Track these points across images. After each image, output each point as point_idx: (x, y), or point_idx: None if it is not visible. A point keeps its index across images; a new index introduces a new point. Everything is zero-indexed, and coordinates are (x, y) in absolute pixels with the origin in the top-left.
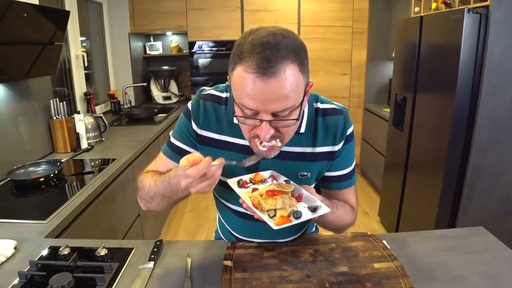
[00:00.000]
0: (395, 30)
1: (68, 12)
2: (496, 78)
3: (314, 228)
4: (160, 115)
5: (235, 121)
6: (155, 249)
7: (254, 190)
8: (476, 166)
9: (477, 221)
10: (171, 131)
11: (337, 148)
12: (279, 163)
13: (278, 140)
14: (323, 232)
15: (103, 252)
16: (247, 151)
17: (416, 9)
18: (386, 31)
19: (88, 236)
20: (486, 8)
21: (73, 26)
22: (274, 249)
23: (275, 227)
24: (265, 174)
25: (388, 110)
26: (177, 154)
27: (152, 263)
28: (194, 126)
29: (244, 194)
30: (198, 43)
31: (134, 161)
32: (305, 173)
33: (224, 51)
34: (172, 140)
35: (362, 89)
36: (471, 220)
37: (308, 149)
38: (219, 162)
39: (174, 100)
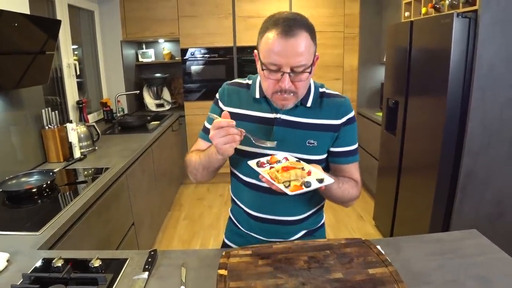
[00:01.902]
0: (386, 34)
1: (59, 21)
2: (486, 82)
3: (320, 227)
4: (153, 122)
5: (257, 95)
6: (150, 259)
7: (271, 168)
8: (469, 170)
9: (471, 223)
10: (205, 121)
11: (339, 122)
12: (290, 131)
13: (293, 95)
14: (318, 240)
15: (97, 263)
16: (264, 121)
17: (406, 14)
18: (377, 36)
19: (82, 247)
20: (474, 13)
21: (64, 35)
22: (268, 257)
23: (290, 193)
24: (279, 156)
25: (380, 114)
26: (208, 135)
27: (146, 273)
28: (220, 104)
29: (263, 171)
30: (190, 50)
31: (127, 170)
32: (312, 141)
33: (217, 58)
34: (206, 124)
35: (355, 94)
36: (465, 222)
37: (314, 121)
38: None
39: (167, 107)
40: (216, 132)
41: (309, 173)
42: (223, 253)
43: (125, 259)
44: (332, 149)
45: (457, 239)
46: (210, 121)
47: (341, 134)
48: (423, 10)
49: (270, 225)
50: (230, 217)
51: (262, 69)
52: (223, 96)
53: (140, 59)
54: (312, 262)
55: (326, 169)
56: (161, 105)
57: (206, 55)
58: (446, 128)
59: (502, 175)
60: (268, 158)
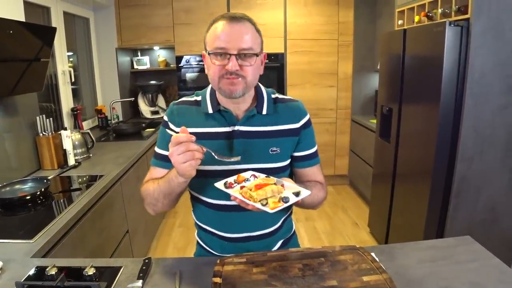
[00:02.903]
0: (380, 42)
1: (54, 29)
2: (478, 89)
3: (292, 234)
4: (148, 130)
5: (210, 110)
6: (144, 267)
7: (241, 188)
8: (462, 176)
9: (465, 230)
10: (155, 146)
11: (298, 125)
12: (251, 142)
13: (240, 79)
14: (311, 246)
15: (91, 271)
16: (223, 136)
17: (400, 22)
18: (371, 43)
19: (76, 255)
20: (466, 21)
21: (60, 42)
22: (263, 264)
23: (271, 211)
24: (246, 174)
25: (374, 121)
26: (163, 161)
27: (140, 281)
28: (172, 126)
29: (234, 192)
30: (185, 57)
31: (122, 177)
32: (275, 148)
33: None
34: (157, 150)
35: (349, 101)
36: (459, 229)
37: (274, 128)
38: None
39: (162, 114)
40: (175, 148)
41: (282, 187)
42: (218, 261)
43: (119, 267)
44: (295, 154)
45: (451, 246)
46: (161, 145)
47: (302, 138)
48: (416, 18)
49: (246, 243)
50: (198, 243)
51: (209, 54)
52: (173, 117)
53: (135, 66)
54: (306, 270)
55: (290, 176)
56: (156, 112)
57: (201, 63)
58: (439, 135)
59: (495, 181)
60: (235, 177)
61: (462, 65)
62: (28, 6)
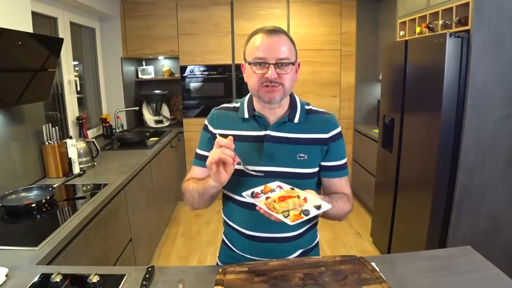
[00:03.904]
0: (382, 53)
1: (61, 40)
2: (479, 99)
3: (315, 245)
4: (152, 139)
5: (246, 115)
6: (147, 276)
7: (267, 198)
8: (464, 186)
9: (467, 240)
10: (197, 148)
11: (327, 136)
12: (280, 147)
13: (279, 87)
14: (313, 257)
15: (95, 279)
16: (254, 139)
17: (401, 33)
18: (373, 54)
19: (80, 262)
20: (467, 32)
21: (66, 52)
22: (264, 273)
23: (291, 223)
24: (273, 185)
25: (377, 131)
26: (202, 161)
27: None
28: (210, 128)
29: (259, 202)
30: (189, 67)
31: (126, 186)
32: (302, 155)
33: (215, 75)
34: (198, 151)
35: (352, 111)
36: (461, 238)
37: (303, 135)
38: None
39: (166, 123)
40: (213, 149)
41: (305, 200)
42: (220, 270)
43: (123, 275)
44: (323, 163)
45: (452, 256)
46: (201, 146)
47: (330, 149)
48: (418, 29)
49: (265, 243)
50: (223, 240)
51: (249, 63)
52: (212, 120)
53: (140, 76)
54: (307, 279)
55: (318, 184)
56: (160, 122)
57: (205, 73)
58: (441, 145)
59: (498, 191)
60: (262, 187)
61: (463, 76)
62: (35, 16)
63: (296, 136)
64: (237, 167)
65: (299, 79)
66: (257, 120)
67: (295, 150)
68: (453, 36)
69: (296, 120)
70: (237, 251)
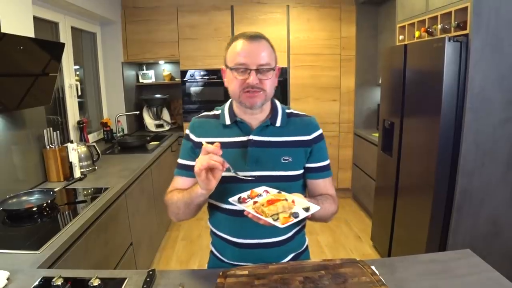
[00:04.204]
0: (381, 57)
1: (63, 45)
2: (478, 103)
3: (305, 249)
4: (152, 143)
5: (228, 121)
6: (148, 279)
7: (254, 203)
8: (464, 190)
9: (467, 243)
10: (178, 158)
11: (309, 138)
12: (264, 151)
13: (261, 92)
14: (313, 259)
15: (96, 282)
16: (238, 145)
17: (401, 37)
18: (373, 58)
19: (81, 266)
20: (466, 37)
21: (67, 56)
22: (264, 277)
23: (281, 226)
24: (259, 190)
25: (377, 134)
26: (185, 170)
27: None
28: (192, 137)
29: (247, 207)
30: (190, 71)
31: (126, 190)
32: (287, 157)
33: (216, 80)
34: (180, 161)
35: (352, 115)
36: (461, 242)
37: (286, 138)
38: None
39: (167, 128)
40: (201, 156)
41: (293, 203)
42: (220, 273)
43: (124, 279)
44: (307, 165)
45: (451, 259)
46: (183, 156)
47: (313, 150)
48: (417, 34)
49: (256, 250)
50: (212, 252)
51: (231, 69)
52: (194, 129)
53: (141, 80)
54: (307, 283)
55: (303, 186)
56: (161, 126)
57: (205, 77)
58: (440, 149)
59: (497, 194)
60: (249, 192)
61: (462, 80)
62: (37, 21)
63: (279, 140)
64: (226, 173)
65: (298, 83)
66: (239, 125)
67: (279, 153)
68: (452, 40)
69: (278, 124)
70: (226, 260)
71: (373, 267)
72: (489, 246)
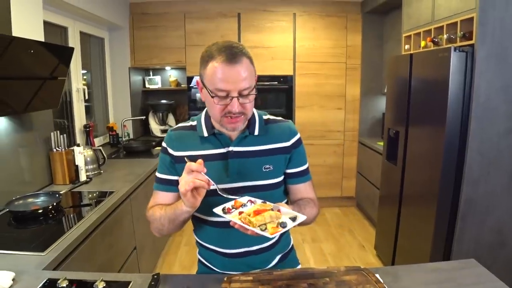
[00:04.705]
0: (387, 66)
1: (72, 49)
2: (483, 113)
3: (291, 248)
4: (158, 148)
5: (205, 133)
6: (152, 283)
7: (240, 213)
8: (468, 199)
9: (471, 252)
10: (156, 172)
11: (289, 144)
12: (245, 161)
13: (242, 116)
14: (318, 266)
15: (101, 285)
16: (218, 157)
17: (406, 46)
18: (378, 67)
19: (85, 269)
20: (471, 47)
21: (75, 61)
22: (269, 283)
23: (270, 236)
24: (243, 200)
25: (381, 143)
26: (165, 185)
27: None
28: (170, 151)
29: (233, 217)
30: (196, 77)
31: (131, 194)
32: (268, 166)
33: None
34: (158, 175)
35: (356, 123)
36: (466, 251)
37: (265, 146)
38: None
39: None
40: (184, 175)
41: (279, 212)
42: (225, 278)
43: (128, 282)
44: (287, 170)
45: (455, 269)
46: (161, 170)
47: (293, 156)
48: (422, 43)
49: (245, 258)
50: (200, 261)
51: (212, 96)
52: (171, 142)
53: (147, 86)
54: None
55: (285, 192)
56: (166, 131)
57: None
58: (445, 158)
59: (502, 204)
60: (232, 203)
61: (467, 89)
62: (47, 25)
63: (259, 148)
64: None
65: (303, 91)
66: (218, 137)
67: (260, 162)
68: (457, 50)
69: (256, 132)
70: (217, 269)
71: (377, 275)
72: (494, 256)
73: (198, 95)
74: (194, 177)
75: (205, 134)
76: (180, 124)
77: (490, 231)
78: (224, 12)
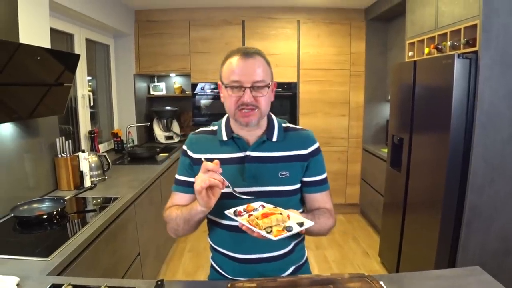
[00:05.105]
0: (391, 73)
1: (78, 56)
2: (488, 119)
3: (305, 261)
4: (162, 154)
5: (225, 137)
6: None
7: (249, 216)
8: (473, 206)
9: (476, 260)
10: (176, 174)
11: (306, 152)
12: (261, 166)
13: (256, 110)
14: (321, 273)
15: None
16: (235, 161)
17: (410, 53)
18: (382, 74)
19: (89, 274)
20: (475, 53)
21: (81, 67)
22: None
23: (274, 238)
24: (255, 204)
25: (385, 150)
26: (183, 186)
27: None
28: (190, 153)
29: (242, 219)
30: (200, 84)
31: (135, 200)
32: (284, 172)
33: None
34: (178, 177)
35: (360, 130)
36: (471, 259)
37: (283, 153)
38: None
39: (176, 140)
40: (200, 174)
41: (288, 217)
42: (229, 285)
43: None
44: (304, 179)
45: (460, 276)
46: (181, 172)
47: (310, 164)
48: (426, 50)
49: (256, 265)
50: (212, 266)
51: (226, 87)
52: (191, 145)
53: (152, 92)
54: None
55: (301, 200)
56: (170, 138)
57: (215, 90)
58: (449, 165)
59: (507, 210)
60: (245, 206)
61: (471, 96)
62: (53, 32)
63: (276, 155)
64: (225, 190)
65: (307, 98)
66: (236, 141)
67: (276, 168)
68: (461, 57)
69: (274, 139)
70: (228, 275)
71: (381, 283)
72: (499, 263)
73: (202, 101)
74: (209, 176)
75: (224, 138)
76: (201, 128)
77: (495, 238)
78: (228, 19)
